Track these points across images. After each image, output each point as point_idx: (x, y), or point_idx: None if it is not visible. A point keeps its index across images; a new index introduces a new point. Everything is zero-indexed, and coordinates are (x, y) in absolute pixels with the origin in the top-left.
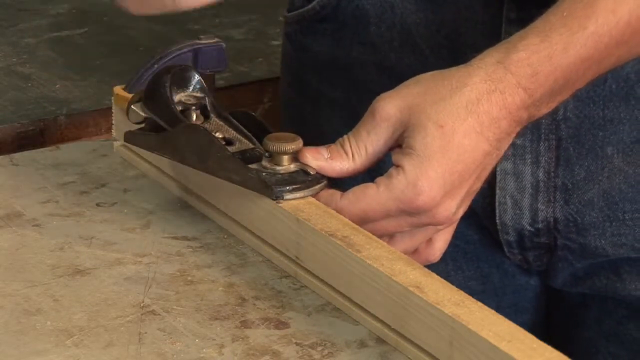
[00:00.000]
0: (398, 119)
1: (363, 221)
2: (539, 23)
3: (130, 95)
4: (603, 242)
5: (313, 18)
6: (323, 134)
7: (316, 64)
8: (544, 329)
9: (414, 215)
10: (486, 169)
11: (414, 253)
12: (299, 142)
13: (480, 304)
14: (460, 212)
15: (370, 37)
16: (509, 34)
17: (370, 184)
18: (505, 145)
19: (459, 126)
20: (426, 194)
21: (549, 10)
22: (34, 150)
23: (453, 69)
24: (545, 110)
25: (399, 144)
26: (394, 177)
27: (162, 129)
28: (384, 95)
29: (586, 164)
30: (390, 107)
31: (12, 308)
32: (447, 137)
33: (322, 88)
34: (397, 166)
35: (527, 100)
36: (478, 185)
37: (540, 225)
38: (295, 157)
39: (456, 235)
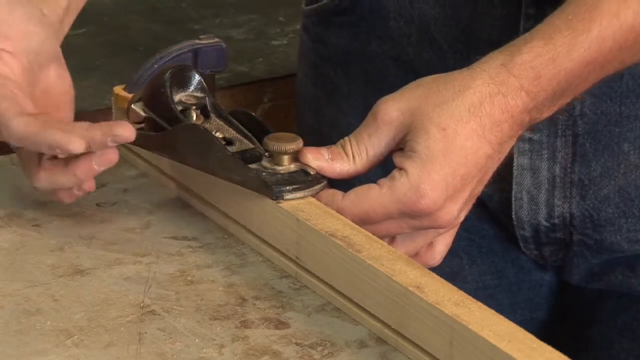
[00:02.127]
0: (400, 122)
1: (364, 222)
2: (543, 26)
3: (130, 95)
4: (619, 238)
5: (331, 11)
6: (338, 127)
7: (333, 56)
8: (559, 324)
9: (416, 218)
10: (488, 172)
11: (414, 256)
12: (299, 142)
13: (480, 304)
14: (462, 216)
15: (388, 31)
16: (527, 30)
17: (372, 185)
18: (507, 149)
19: (461, 129)
20: (429, 197)
21: (554, 14)
22: None
23: (456, 72)
24: (547, 113)
25: (400, 146)
26: (397, 179)
27: (162, 129)
28: (386, 98)
29: (602, 160)
30: (392, 110)
31: (12, 308)
32: (450, 139)
33: (338, 81)
34: (400, 169)
35: (529, 104)
36: (480, 188)
37: (556, 221)
38: (296, 157)
39: (471, 230)
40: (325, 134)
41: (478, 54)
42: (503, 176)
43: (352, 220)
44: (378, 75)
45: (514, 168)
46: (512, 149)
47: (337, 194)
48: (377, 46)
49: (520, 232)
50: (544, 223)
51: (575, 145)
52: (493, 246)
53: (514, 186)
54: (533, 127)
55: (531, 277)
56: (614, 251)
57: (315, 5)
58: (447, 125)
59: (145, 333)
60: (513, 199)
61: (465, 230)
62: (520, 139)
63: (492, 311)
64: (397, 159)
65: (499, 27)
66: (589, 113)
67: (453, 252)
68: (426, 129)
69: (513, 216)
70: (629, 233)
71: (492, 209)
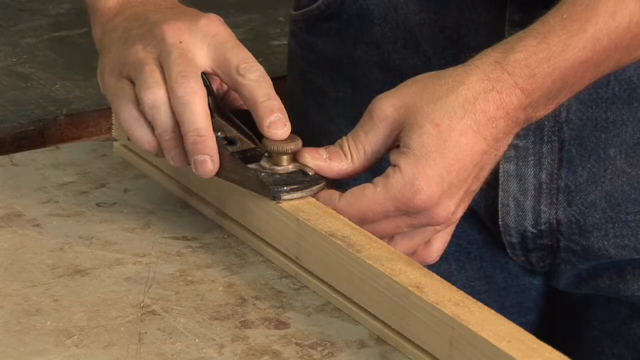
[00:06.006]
0: (395, 118)
1: (362, 222)
2: (538, 25)
3: None
4: (606, 243)
5: (318, 17)
6: (327, 133)
7: (321, 62)
8: (548, 329)
9: (412, 215)
10: (484, 168)
11: (411, 254)
12: (299, 143)
13: (480, 304)
14: (460, 212)
15: (374, 37)
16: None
17: (368, 184)
18: (504, 146)
19: (455, 124)
20: (424, 193)
21: (549, 13)
22: (33, 150)
23: (450, 69)
24: (542, 112)
25: (397, 143)
26: (391, 176)
27: None
28: (381, 95)
29: (589, 165)
30: (387, 107)
31: (12, 308)
32: (444, 135)
33: (326, 87)
34: (394, 166)
35: (524, 101)
36: (477, 185)
37: (543, 227)
38: (295, 157)
39: (459, 236)
40: (315, 141)
41: (464, 59)
42: (489, 183)
43: (351, 221)
44: (365, 81)
45: (500, 174)
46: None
47: (334, 194)
48: (364, 52)
49: (507, 238)
50: (531, 229)
51: (561, 151)
52: (481, 252)
53: (500, 193)
54: (519, 134)
55: (519, 282)
56: (601, 257)
57: (302, 11)
58: (441, 120)
59: (145, 333)
60: (499, 205)
61: (454, 236)
62: None
63: (492, 311)
64: (392, 156)
65: (484, 33)
66: (574, 119)
67: (442, 257)
68: (420, 124)
69: (500, 223)
70: (616, 238)
71: (480, 215)
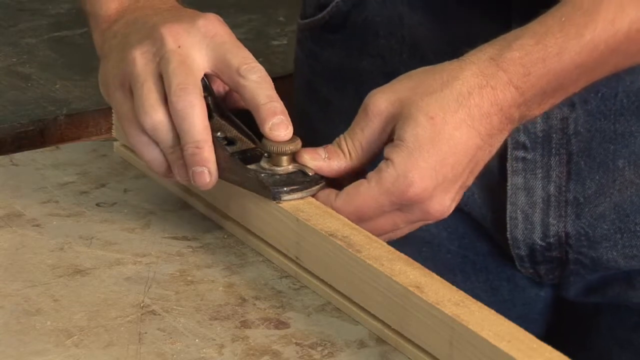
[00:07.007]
0: (390, 112)
1: (359, 219)
2: (535, 25)
3: None
4: (615, 254)
5: (324, 27)
6: (331, 141)
7: (326, 72)
8: (554, 338)
9: (407, 209)
10: (479, 163)
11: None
12: (298, 143)
13: (480, 304)
14: (453, 207)
15: (380, 49)
16: None
17: (362, 181)
18: (497, 142)
19: (449, 118)
20: (417, 185)
21: (548, 12)
22: (33, 150)
23: (445, 63)
24: (537, 111)
25: (392, 138)
26: (384, 170)
27: None
28: (375, 90)
29: (597, 177)
30: (381, 101)
31: (12, 308)
32: (438, 128)
33: (331, 96)
34: (387, 159)
35: (518, 99)
36: (471, 180)
37: (551, 240)
38: (294, 158)
39: (465, 247)
40: None
41: None
42: (497, 195)
43: (348, 219)
44: (370, 91)
45: (508, 187)
46: (498, 162)
47: (332, 193)
48: (369, 63)
49: (516, 251)
50: (539, 242)
51: (569, 164)
52: (487, 263)
53: (508, 206)
54: (526, 146)
55: (526, 294)
56: (610, 268)
57: (308, 20)
58: (435, 114)
59: (145, 333)
60: (508, 218)
61: (460, 247)
62: (514, 158)
63: (492, 311)
64: (386, 150)
65: None
66: (583, 131)
67: (448, 268)
68: (414, 117)
69: (508, 235)
70: (625, 249)
71: (486, 227)
